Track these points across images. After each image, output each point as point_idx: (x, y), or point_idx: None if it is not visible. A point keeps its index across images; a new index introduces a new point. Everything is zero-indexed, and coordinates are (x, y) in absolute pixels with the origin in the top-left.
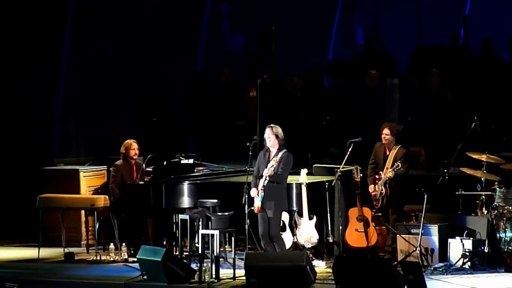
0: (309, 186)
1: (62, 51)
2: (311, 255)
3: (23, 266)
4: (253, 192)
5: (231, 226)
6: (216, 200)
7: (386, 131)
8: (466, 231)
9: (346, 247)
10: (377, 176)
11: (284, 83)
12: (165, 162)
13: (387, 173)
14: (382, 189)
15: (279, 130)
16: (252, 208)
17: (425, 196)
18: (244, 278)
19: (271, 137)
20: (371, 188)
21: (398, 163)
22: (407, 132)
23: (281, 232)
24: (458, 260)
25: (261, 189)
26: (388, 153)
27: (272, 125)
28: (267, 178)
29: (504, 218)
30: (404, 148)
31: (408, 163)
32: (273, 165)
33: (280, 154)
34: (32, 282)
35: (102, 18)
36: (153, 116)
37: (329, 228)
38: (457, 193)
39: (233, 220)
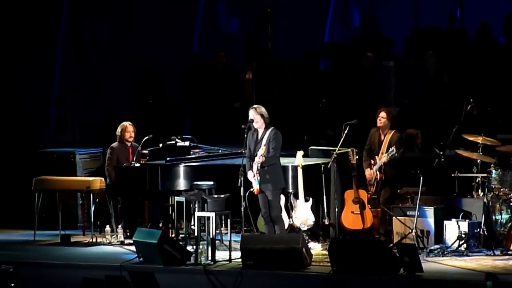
0: (305, 168)
1: (58, 34)
2: (307, 237)
3: (19, 248)
4: (249, 176)
5: (227, 208)
6: (212, 182)
7: (382, 114)
8: (462, 213)
9: (342, 229)
10: (372, 161)
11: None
12: (161, 145)
13: (382, 158)
14: (376, 174)
15: (262, 109)
16: (251, 190)
17: (421, 178)
18: (240, 260)
19: (256, 117)
20: (367, 172)
21: (392, 148)
22: (403, 114)
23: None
24: (454, 242)
25: (257, 173)
26: (383, 138)
27: (255, 106)
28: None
29: (500, 200)
30: (398, 132)
31: (402, 148)
32: (262, 154)
33: (268, 133)
34: (28, 264)
35: (98, 0)
36: (148, 99)
37: (325, 210)
38: (453, 175)
39: (229, 202)
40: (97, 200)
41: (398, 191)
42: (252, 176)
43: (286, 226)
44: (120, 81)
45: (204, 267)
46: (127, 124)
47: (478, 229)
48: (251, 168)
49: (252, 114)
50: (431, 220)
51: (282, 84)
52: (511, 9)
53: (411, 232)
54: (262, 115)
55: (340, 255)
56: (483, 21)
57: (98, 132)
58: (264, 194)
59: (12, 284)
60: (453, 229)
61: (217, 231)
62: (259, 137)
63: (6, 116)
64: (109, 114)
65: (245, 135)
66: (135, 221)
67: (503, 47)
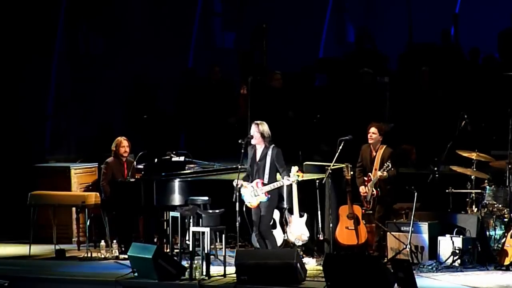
0: (299, 183)
1: (54, 47)
2: (301, 252)
3: (14, 263)
4: (246, 190)
5: (222, 224)
6: (207, 198)
7: (373, 129)
8: (456, 229)
9: (336, 245)
10: (365, 178)
11: (266, 79)
12: (156, 160)
13: (377, 174)
14: (372, 191)
15: (265, 127)
16: (247, 203)
17: (415, 194)
18: (234, 275)
19: (256, 134)
20: (362, 189)
21: (388, 163)
22: (397, 130)
23: (271, 229)
24: (448, 258)
25: (266, 192)
26: (374, 154)
27: (258, 122)
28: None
29: (494, 216)
30: (390, 147)
31: (397, 163)
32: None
33: (270, 152)
34: (23, 279)
35: (93, 14)
36: (143, 113)
37: (320, 226)
38: (447, 191)
39: (224, 217)
40: (92, 215)
41: (393, 206)
42: (251, 190)
43: (281, 241)
44: (115, 95)
45: (198, 282)
46: (122, 139)
47: (472, 245)
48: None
49: (253, 129)
50: (425, 236)
51: (275, 99)
52: (505, 25)
53: (405, 247)
54: (261, 134)
55: (335, 270)
56: (474, 47)
57: (93, 146)
58: (258, 210)
59: None
60: (447, 245)
61: (212, 246)
62: (257, 155)
63: (2, 130)
64: (104, 128)
65: (242, 150)
66: (130, 236)
67: (497, 64)
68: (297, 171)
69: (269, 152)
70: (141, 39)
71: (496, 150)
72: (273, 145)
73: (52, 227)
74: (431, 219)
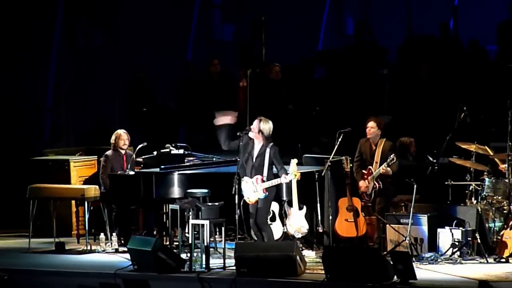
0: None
1: (53, 40)
2: (301, 245)
3: (13, 256)
4: (246, 184)
5: (222, 216)
6: (206, 190)
7: (371, 124)
8: (455, 221)
9: (336, 237)
10: (364, 171)
11: (265, 72)
12: (155, 152)
13: (377, 168)
14: (374, 184)
15: (266, 126)
16: (246, 198)
17: (415, 186)
18: (234, 268)
19: (254, 129)
20: (361, 183)
21: (393, 155)
22: (397, 122)
23: (271, 222)
24: (448, 250)
25: (264, 189)
26: (374, 147)
27: (262, 118)
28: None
29: (493, 208)
30: (390, 141)
31: (398, 156)
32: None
33: (268, 150)
34: (23, 272)
35: (92, 7)
36: (142, 106)
37: (319, 218)
38: (446, 183)
39: (224, 210)
40: (91, 208)
41: (394, 199)
42: (251, 186)
43: (280, 234)
44: (115, 88)
45: (198, 274)
46: (121, 132)
47: (472, 237)
48: (244, 175)
49: (254, 123)
50: (424, 228)
51: (275, 91)
52: (504, 17)
53: (405, 239)
54: (260, 131)
55: (334, 262)
56: (472, 39)
57: (92, 139)
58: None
59: None
60: (446, 237)
61: (211, 239)
62: (254, 151)
63: (1, 123)
64: (103, 121)
65: (241, 142)
66: (129, 229)
67: (496, 56)
68: (296, 169)
69: (267, 150)
70: (140, 32)
71: (495, 142)
72: (271, 143)
73: (51, 220)
74: (431, 211)
